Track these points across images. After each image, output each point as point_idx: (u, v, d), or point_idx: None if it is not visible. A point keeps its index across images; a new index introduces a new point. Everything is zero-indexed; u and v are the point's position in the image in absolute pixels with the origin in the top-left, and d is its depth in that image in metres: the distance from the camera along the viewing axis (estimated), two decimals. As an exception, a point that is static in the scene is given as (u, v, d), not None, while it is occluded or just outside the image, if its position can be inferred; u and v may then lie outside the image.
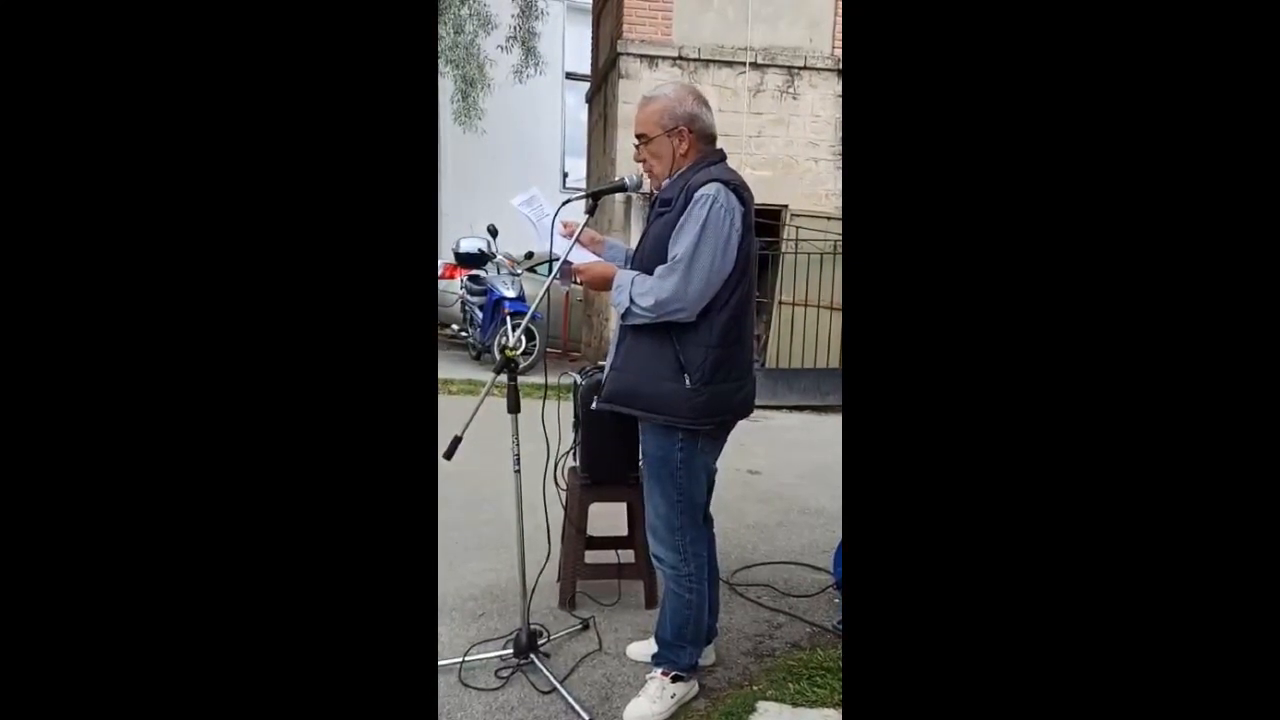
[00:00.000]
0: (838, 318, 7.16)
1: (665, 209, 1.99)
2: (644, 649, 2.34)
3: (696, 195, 1.90)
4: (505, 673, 2.19)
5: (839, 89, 7.68)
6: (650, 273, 1.95)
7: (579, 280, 2.12)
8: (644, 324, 1.96)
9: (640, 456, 2.55)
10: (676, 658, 2.14)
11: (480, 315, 7.97)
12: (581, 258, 2.16)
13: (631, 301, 1.94)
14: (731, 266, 1.94)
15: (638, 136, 2.08)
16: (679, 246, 1.90)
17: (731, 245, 1.92)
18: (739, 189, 1.96)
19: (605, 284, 2.03)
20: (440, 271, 8.68)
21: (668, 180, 2.06)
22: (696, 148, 2.03)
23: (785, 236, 7.18)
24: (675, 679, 2.13)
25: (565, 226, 2.19)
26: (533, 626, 2.26)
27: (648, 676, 2.17)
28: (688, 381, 1.94)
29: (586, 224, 2.21)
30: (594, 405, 2.17)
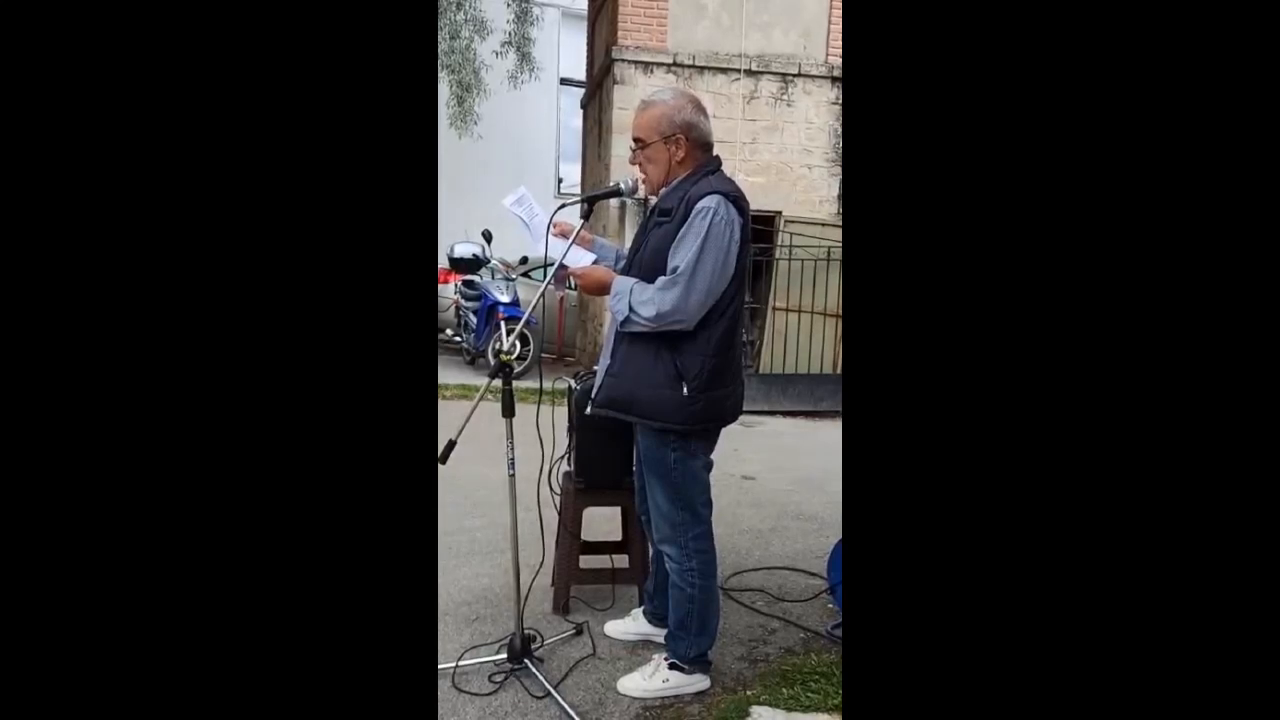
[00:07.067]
0: (831, 324, 7.17)
1: (664, 218, 2.00)
2: (621, 627, 2.48)
3: (697, 208, 1.91)
4: (499, 678, 2.19)
5: (833, 96, 7.71)
6: (649, 281, 1.96)
7: (575, 284, 2.14)
8: (641, 331, 1.97)
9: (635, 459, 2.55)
10: (674, 647, 2.18)
11: (474, 320, 7.96)
12: (577, 259, 2.16)
13: (631, 310, 1.95)
14: (730, 278, 1.96)
15: (635, 140, 2.09)
16: (680, 259, 1.91)
17: (731, 257, 1.94)
18: (737, 200, 1.98)
19: (602, 290, 2.04)
20: (434, 276, 8.67)
21: (665, 188, 2.07)
22: (693, 155, 2.04)
23: (779, 243, 7.20)
24: (672, 666, 2.17)
25: (558, 226, 2.19)
26: (526, 631, 2.26)
27: (651, 657, 2.24)
28: (685, 389, 1.96)
29: (581, 228, 2.21)
30: (588, 411, 2.18)
